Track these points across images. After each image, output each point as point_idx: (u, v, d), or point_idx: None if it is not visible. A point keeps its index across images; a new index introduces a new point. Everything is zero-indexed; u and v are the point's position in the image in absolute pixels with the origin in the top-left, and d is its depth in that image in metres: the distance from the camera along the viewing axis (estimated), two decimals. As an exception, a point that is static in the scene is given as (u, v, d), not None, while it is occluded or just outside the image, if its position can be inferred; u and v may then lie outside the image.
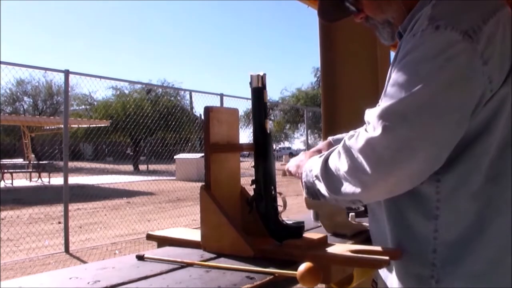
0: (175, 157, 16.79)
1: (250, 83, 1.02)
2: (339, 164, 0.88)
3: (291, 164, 1.14)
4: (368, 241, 1.10)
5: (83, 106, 26.27)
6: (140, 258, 0.98)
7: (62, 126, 6.67)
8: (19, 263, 5.07)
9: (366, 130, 0.84)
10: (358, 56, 2.31)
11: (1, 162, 15.17)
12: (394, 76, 0.85)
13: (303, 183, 1.02)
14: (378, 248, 0.95)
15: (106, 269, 0.91)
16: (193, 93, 10.89)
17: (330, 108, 2.39)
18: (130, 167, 21.59)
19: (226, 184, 1.07)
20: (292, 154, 40.71)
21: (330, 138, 1.26)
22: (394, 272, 0.96)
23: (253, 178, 1.03)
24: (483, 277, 0.86)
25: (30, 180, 15.13)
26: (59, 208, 7.40)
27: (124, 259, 1.01)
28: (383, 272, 1.02)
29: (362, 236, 1.23)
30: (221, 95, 8.46)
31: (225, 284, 0.81)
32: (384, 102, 0.83)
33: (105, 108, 21.32)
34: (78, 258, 5.39)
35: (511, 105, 0.86)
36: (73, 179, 12.00)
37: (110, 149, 25.01)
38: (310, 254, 0.92)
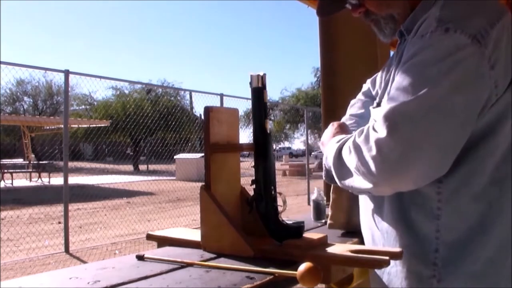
0: (175, 157, 16.78)
1: (250, 83, 1.02)
2: (349, 159, 0.89)
3: (323, 138, 1.13)
4: None
5: (83, 106, 26.27)
6: (140, 258, 0.98)
7: (62, 126, 6.66)
8: (19, 263, 5.06)
9: (374, 129, 0.84)
10: (358, 56, 2.31)
11: (1, 162, 15.15)
12: (401, 77, 0.84)
13: (323, 165, 1.06)
14: (378, 248, 0.96)
15: (106, 269, 0.91)
16: (193, 93, 10.88)
17: (330, 108, 2.39)
18: (130, 167, 21.59)
19: (226, 184, 1.07)
20: (292, 154, 40.79)
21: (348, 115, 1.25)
22: (395, 272, 0.96)
23: (253, 178, 1.03)
24: (484, 277, 0.87)
25: (30, 180, 15.13)
26: (59, 208, 7.40)
27: (124, 259, 1.01)
28: (381, 271, 1.02)
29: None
30: (221, 95, 8.45)
31: (225, 284, 0.81)
32: (391, 102, 0.83)
33: (105, 108, 21.32)
34: (78, 258, 5.39)
35: None
36: (73, 179, 12.00)
37: (110, 149, 25.01)
38: (310, 254, 0.92)
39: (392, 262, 0.94)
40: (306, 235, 1.02)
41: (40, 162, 16.19)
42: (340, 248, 0.96)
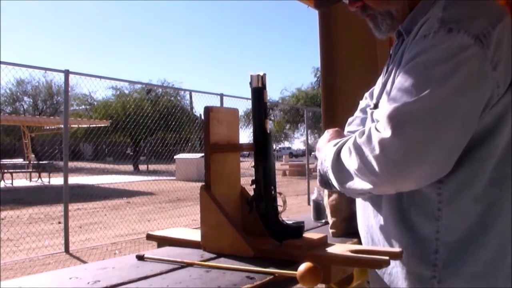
0: (175, 157, 16.78)
1: (250, 83, 1.02)
2: (349, 161, 0.88)
3: (319, 144, 1.13)
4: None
5: (83, 106, 26.26)
6: (140, 258, 0.98)
7: (62, 126, 6.66)
8: (19, 263, 5.06)
9: (376, 129, 0.84)
10: (358, 56, 2.31)
11: (1, 162, 15.15)
12: (403, 77, 0.84)
13: (318, 171, 1.04)
14: (378, 248, 0.96)
15: (106, 269, 0.91)
16: (193, 93, 10.88)
17: (330, 108, 2.39)
18: (130, 167, 21.59)
19: (226, 184, 1.07)
20: (292, 154, 40.78)
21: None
22: (396, 272, 0.96)
23: (253, 178, 1.03)
24: (484, 278, 0.87)
25: (30, 180, 15.12)
26: (59, 208, 7.39)
27: (124, 259, 1.01)
28: (382, 272, 1.02)
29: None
30: (221, 95, 8.45)
31: (225, 284, 0.81)
32: (393, 103, 0.83)
33: (105, 108, 21.32)
34: (78, 258, 5.39)
35: None
36: (73, 179, 12.00)
37: (110, 149, 25.01)
38: (310, 254, 0.92)
39: (393, 262, 0.94)
40: (306, 235, 1.02)
41: (40, 162, 16.19)
42: (340, 248, 0.95)
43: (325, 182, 1.02)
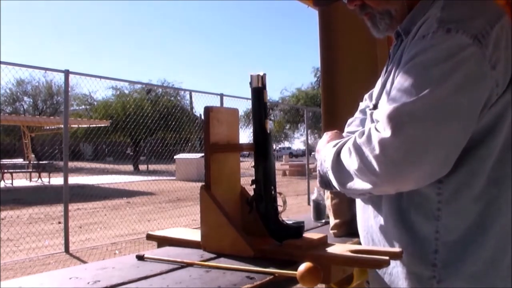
0: (175, 157, 16.78)
1: (250, 83, 1.02)
2: (349, 161, 0.88)
3: (319, 145, 1.13)
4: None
5: (83, 106, 26.25)
6: (140, 258, 0.98)
7: (62, 126, 6.66)
8: (19, 263, 5.06)
9: (376, 129, 0.84)
10: (358, 56, 2.31)
11: (1, 162, 15.15)
12: (403, 78, 0.84)
13: (317, 172, 1.04)
14: (378, 248, 0.96)
15: (106, 269, 0.91)
16: (193, 93, 10.87)
17: (330, 108, 2.39)
18: (130, 167, 21.59)
19: (226, 184, 1.07)
20: (292, 154, 40.77)
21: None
22: (397, 272, 0.96)
23: (253, 178, 1.03)
24: (483, 277, 0.87)
25: (30, 180, 15.12)
26: (59, 208, 7.39)
27: (124, 259, 1.01)
28: (383, 272, 1.02)
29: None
30: (221, 95, 8.44)
31: (225, 284, 0.81)
32: (393, 103, 0.83)
33: (105, 108, 21.31)
34: (78, 258, 5.39)
35: None
36: (73, 179, 12.00)
37: (110, 149, 25.01)
38: (310, 254, 0.92)
39: (393, 263, 0.94)
40: (306, 235, 1.02)
41: (40, 162, 16.18)
42: (340, 248, 0.96)
43: (325, 183, 1.02)
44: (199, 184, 1.07)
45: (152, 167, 21.33)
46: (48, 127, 18.73)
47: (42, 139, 22.79)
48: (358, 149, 0.86)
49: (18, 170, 15.36)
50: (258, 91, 1.02)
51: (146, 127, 14.92)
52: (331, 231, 1.31)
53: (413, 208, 0.92)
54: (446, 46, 0.82)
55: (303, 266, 0.80)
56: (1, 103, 28.08)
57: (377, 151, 0.82)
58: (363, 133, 0.87)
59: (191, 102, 18.75)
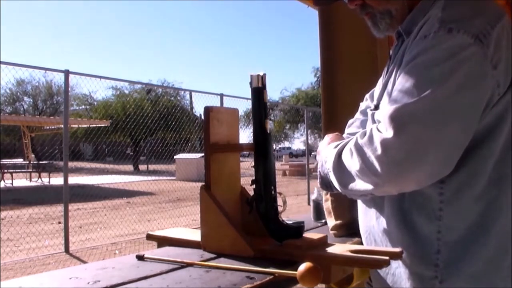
0: (175, 157, 16.77)
1: (250, 83, 1.02)
2: (351, 162, 0.88)
3: (320, 147, 1.13)
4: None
5: (83, 106, 26.24)
6: (140, 258, 0.98)
7: (62, 126, 6.66)
8: (19, 263, 5.06)
9: (378, 129, 0.84)
10: (358, 56, 2.31)
11: (1, 162, 15.15)
12: (404, 78, 0.84)
13: (318, 173, 1.04)
14: (378, 248, 0.96)
15: (106, 269, 0.91)
16: (193, 93, 10.88)
17: (330, 108, 2.39)
18: (130, 167, 21.58)
19: (226, 184, 1.07)
20: (292, 154, 40.77)
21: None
22: (399, 273, 0.96)
23: (253, 178, 1.03)
24: (485, 277, 0.87)
25: (30, 180, 15.12)
26: (59, 208, 7.39)
27: (124, 259, 1.01)
28: (385, 272, 1.02)
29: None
30: (221, 95, 8.44)
31: (225, 284, 0.81)
32: (394, 103, 0.83)
33: (105, 108, 21.30)
34: (78, 258, 5.39)
35: None
36: (73, 179, 11.99)
37: (110, 149, 25.01)
38: (310, 254, 0.92)
39: (396, 263, 0.94)
40: (306, 235, 1.02)
41: (40, 162, 16.18)
42: (340, 248, 0.96)
43: (326, 184, 1.01)
44: (199, 184, 1.07)
45: (152, 167, 21.33)
46: (48, 127, 18.73)
47: (42, 139, 22.78)
48: (359, 150, 0.86)
49: (18, 170, 15.36)
50: (258, 91, 1.02)
51: (146, 127, 14.92)
52: (331, 232, 1.31)
53: (415, 208, 0.92)
54: (447, 46, 0.82)
55: (303, 266, 0.80)
56: (1, 103, 28.07)
57: (379, 151, 0.81)
58: (364, 133, 0.87)
59: (191, 102, 18.75)
